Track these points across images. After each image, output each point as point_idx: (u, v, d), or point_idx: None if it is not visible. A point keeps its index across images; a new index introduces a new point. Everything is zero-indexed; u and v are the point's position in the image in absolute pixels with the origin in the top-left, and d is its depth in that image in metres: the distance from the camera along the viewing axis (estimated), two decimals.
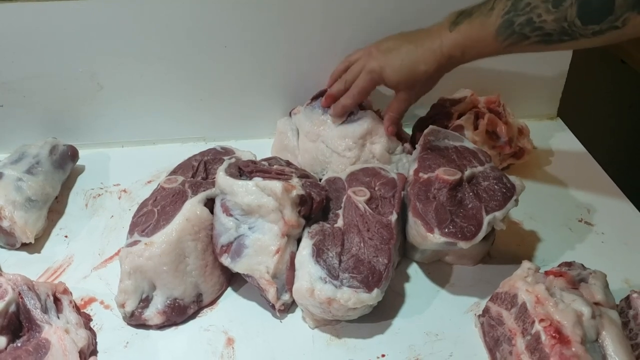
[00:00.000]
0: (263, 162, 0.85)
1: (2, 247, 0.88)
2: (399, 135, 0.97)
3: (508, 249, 0.85)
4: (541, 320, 0.63)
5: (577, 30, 0.72)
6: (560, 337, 0.61)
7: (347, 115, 0.94)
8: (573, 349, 0.60)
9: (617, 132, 1.40)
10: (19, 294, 0.67)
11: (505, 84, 1.09)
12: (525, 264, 0.71)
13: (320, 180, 0.91)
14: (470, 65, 0.97)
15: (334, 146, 0.95)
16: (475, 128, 0.97)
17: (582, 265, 0.73)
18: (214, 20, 0.99)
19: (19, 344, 0.65)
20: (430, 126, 0.91)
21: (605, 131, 1.35)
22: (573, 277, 0.69)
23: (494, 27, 0.77)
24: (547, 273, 0.70)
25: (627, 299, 0.70)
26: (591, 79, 1.24)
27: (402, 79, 0.87)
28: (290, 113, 1.04)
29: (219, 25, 0.99)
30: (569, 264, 0.73)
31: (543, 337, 0.62)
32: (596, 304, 0.66)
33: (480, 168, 0.82)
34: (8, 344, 0.65)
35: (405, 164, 0.93)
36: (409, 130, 1.02)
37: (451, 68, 0.86)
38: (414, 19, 0.90)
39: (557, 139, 1.11)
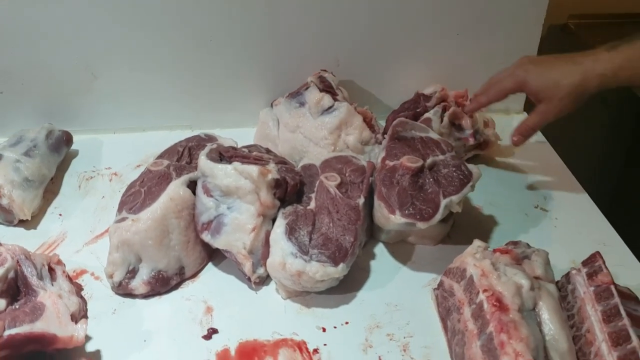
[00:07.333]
0: (243, 149, 0.91)
1: (0, 223, 0.94)
2: (372, 127, 1.03)
3: (467, 231, 0.92)
4: (484, 291, 0.70)
5: None
6: (500, 305, 0.68)
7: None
8: (510, 316, 0.67)
9: (581, 127, 1.46)
10: (17, 262, 0.73)
11: (476, 79, 1.14)
12: (476, 242, 0.77)
13: None
14: (442, 60, 1.03)
15: (311, 136, 1.01)
16: (443, 121, 1.03)
17: (527, 244, 0.79)
18: (200, 15, 1.04)
19: (17, 306, 0.71)
20: (399, 118, 0.97)
21: (569, 125, 1.41)
22: (518, 254, 0.76)
23: None
24: (494, 250, 0.76)
25: (567, 275, 0.77)
26: None
27: (543, 88, 0.85)
28: (271, 104, 1.09)
29: (206, 20, 1.05)
30: (515, 243, 0.79)
31: (485, 305, 0.68)
32: (536, 278, 0.73)
33: (441, 157, 0.89)
34: (7, 306, 0.70)
35: (377, 154, 0.98)
36: (382, 123, 1.09)
37: (596, 90, 0.83)
38: (403, 14, 0.94)
39: None
